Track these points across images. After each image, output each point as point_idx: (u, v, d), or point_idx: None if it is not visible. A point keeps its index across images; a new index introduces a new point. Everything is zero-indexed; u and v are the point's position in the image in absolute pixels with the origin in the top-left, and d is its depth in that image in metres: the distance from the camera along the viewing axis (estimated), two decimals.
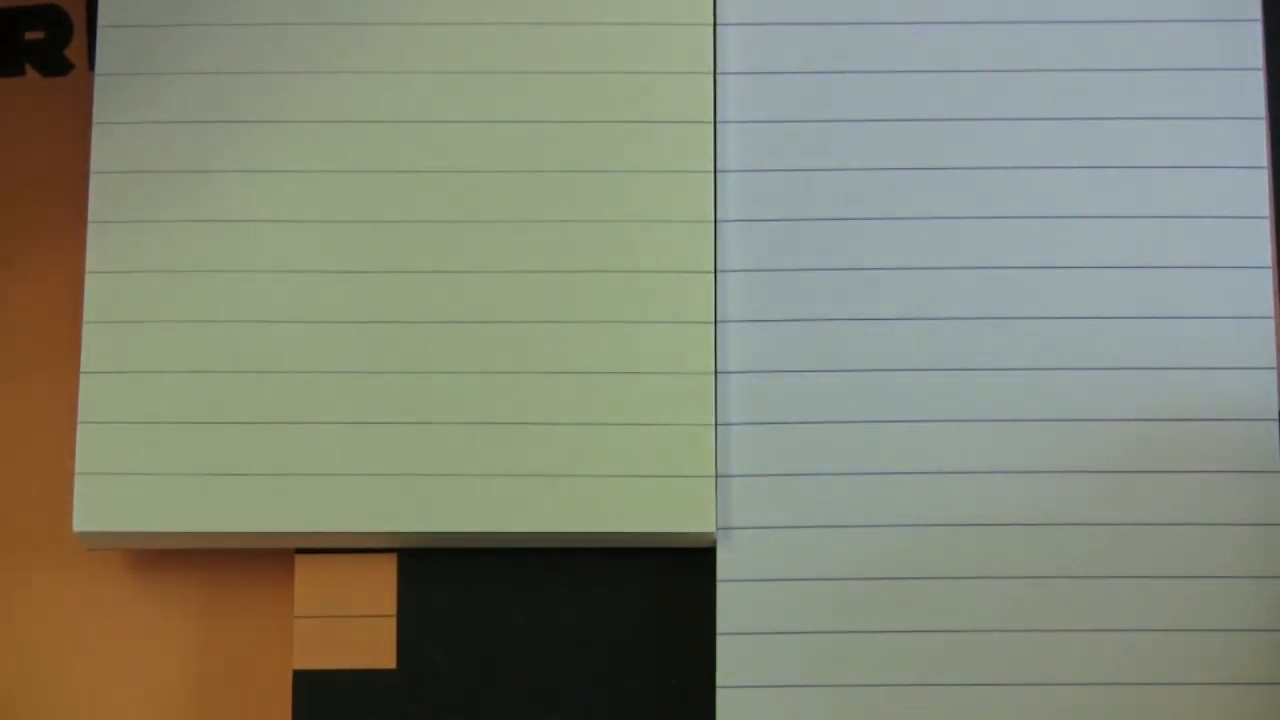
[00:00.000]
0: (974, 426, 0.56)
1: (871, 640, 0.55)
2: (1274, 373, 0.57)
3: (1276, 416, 0.57)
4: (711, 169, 0.57)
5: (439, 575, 0.56)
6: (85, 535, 0.56)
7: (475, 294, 0.56)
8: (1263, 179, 0.58)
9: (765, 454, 0.56)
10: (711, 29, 0.58)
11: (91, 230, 0.57)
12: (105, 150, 0.57)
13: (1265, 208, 0.58)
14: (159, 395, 0.56)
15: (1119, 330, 0.57)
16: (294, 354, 0.56)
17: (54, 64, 0.60)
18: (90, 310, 0.56)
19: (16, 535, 0.58)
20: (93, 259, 0.57)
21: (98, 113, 0.57)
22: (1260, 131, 0.58)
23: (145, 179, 0.57)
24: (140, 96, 0.57)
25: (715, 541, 0.56)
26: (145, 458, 0.55)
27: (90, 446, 0.55)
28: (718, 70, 0.58)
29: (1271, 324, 0.57)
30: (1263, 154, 0.58)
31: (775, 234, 0.57)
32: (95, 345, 0.56)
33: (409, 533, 0.55)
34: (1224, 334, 0.57)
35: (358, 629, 0.56)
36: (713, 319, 0.56)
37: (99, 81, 0.58)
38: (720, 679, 0.55)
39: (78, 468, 0.55)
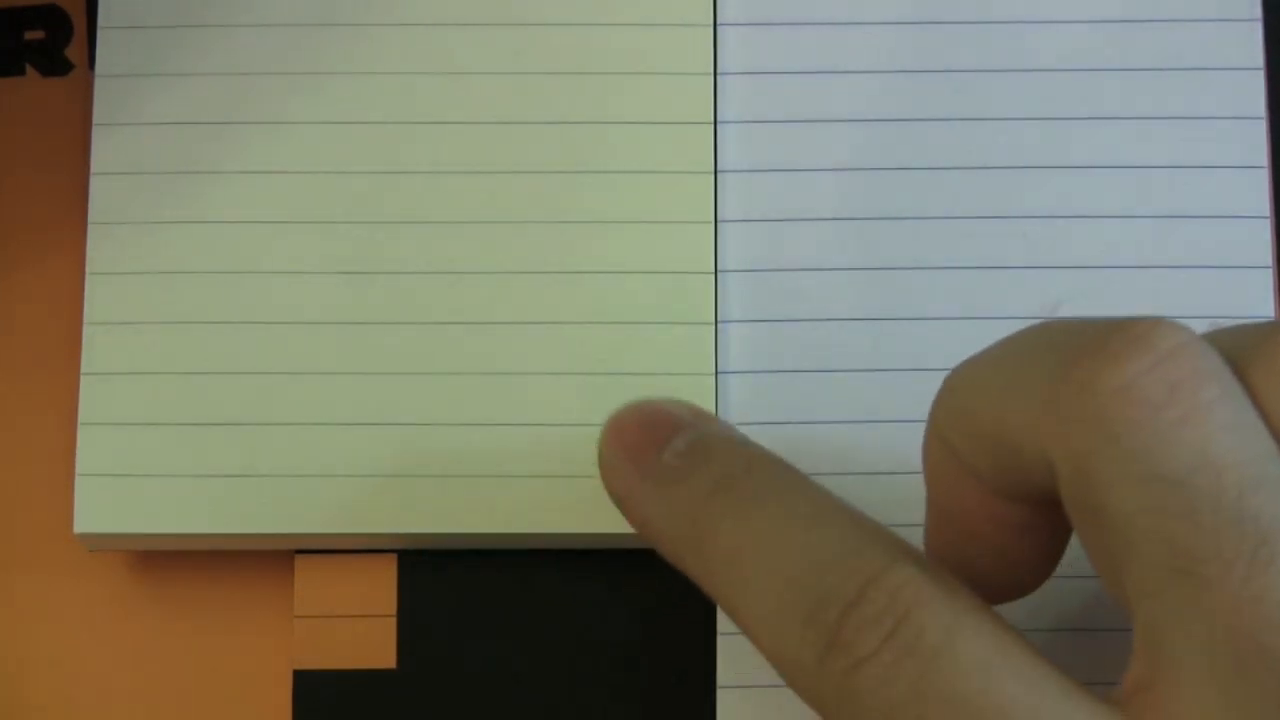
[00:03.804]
0: None
1: None
2: None
3: None
4: (712, 169, 0.57)
5: (439, 575, 0.56)
6: (86, 537, 0.56)
7: (475, 294, 0.56)
8: (1263, 179, 0.58)
9: None
10: (711, 29, 0.58)
11: (92, 231, 0.57)
12: (105, 151, 0.57)
13: (1265, 208, 0.58)
14: (160, 396, 0.56)
15: None
16: (295, 355, 0.56)
17: (54, 64, 0.60)
18: (90, 310, 0.56)
19: (17, 537, 0.58)
20: (93, 259, 0.57)
21: (98, 113, 0.57)
22: (1260, 131, 0.58)
23: (146, 180, 0.57)
24: (141, 97, 0.57)
25: None
26: (146, 459, 0.55)
27: (91, 448, 0.55)
28: (718, 70, 0.58)
29: None
30: (1263, 154, 0.58)
31: (775, 234, 0.57)
32: (95, 346, 0.56)
33: (409, 533, 0.55)
34: None
35: (358, 629, 0.56)
36: (713, 319, 0.56)
37: (99, 82, 0.58)
38: (720, 679, 0.55)
39: (78, 469, 0.55)
